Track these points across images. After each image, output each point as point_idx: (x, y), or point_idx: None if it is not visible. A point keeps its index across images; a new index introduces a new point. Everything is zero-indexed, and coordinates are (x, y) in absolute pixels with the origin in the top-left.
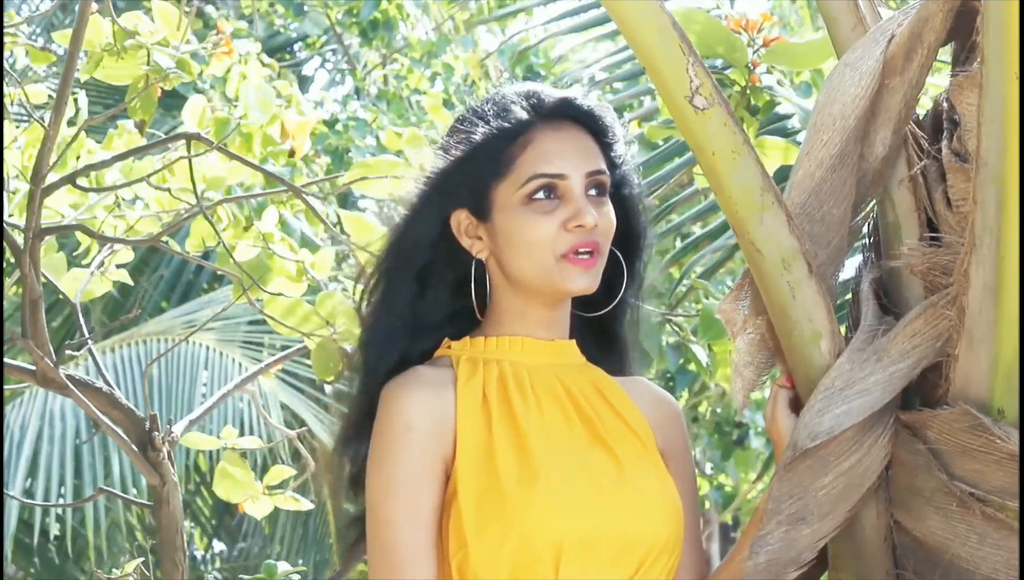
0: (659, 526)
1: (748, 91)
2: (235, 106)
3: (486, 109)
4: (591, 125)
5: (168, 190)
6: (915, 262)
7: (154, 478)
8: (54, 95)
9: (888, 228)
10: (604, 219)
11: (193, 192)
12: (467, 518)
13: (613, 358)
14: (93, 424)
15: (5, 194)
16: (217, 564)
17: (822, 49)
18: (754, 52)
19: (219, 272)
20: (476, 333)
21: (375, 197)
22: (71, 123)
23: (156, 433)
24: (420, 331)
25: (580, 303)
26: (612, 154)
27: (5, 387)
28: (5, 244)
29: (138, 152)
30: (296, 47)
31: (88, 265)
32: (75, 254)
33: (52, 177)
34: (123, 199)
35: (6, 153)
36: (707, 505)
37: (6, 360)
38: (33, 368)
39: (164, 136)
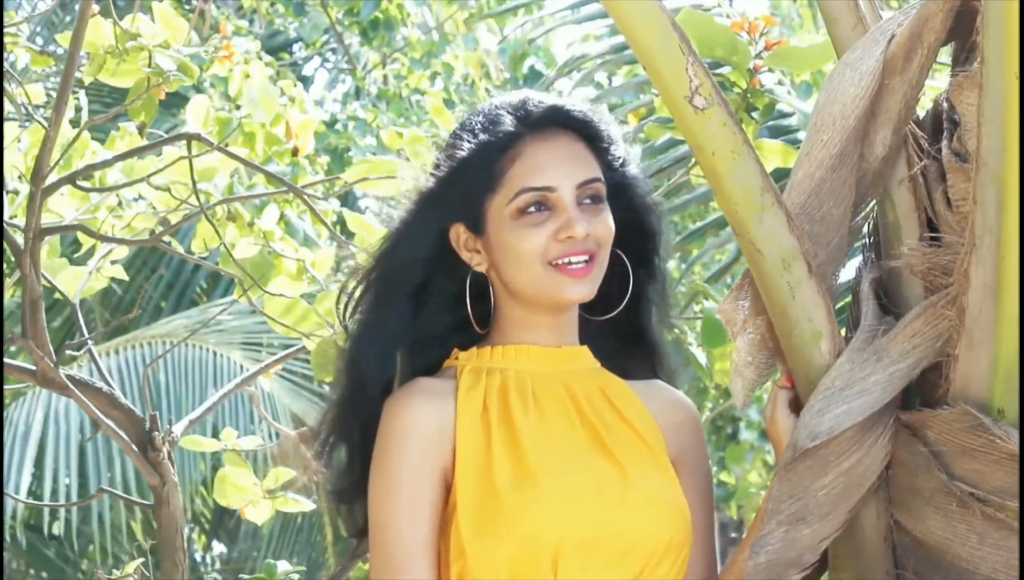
0: (661, 529)
1: (749, 94)
2: (238, 106)
3: (476, 123)
4: (584, 131)
5: (168, 190)
6: (915, 262)
7: (154, 478)
8: (54, 95)
9: (888, 228)
10: (599, 226)
11: (194, 192)
12: (465, 525)
13: (641, 359)
14: (93, 424)
15: (5, 194)
16: (217, 566)
17: (824, 52)
18: (756, 54)
19: (221, 272)
20: (484, 343)
21: (376, 196)
22: (73, 123)
23: (156, 433)
24: (422, 346)
25: (601, 306)
26: (609, 157)
27: (5, 387)
28: (5, 244)
29: (139, 152)
30: (296, 47)
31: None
32: (75, 254)
33: (53, 177)
34: (125, 198)
35: (7, 153)
36: None
37: (6, 360)
38: (33, 368)
39: (164, 136)
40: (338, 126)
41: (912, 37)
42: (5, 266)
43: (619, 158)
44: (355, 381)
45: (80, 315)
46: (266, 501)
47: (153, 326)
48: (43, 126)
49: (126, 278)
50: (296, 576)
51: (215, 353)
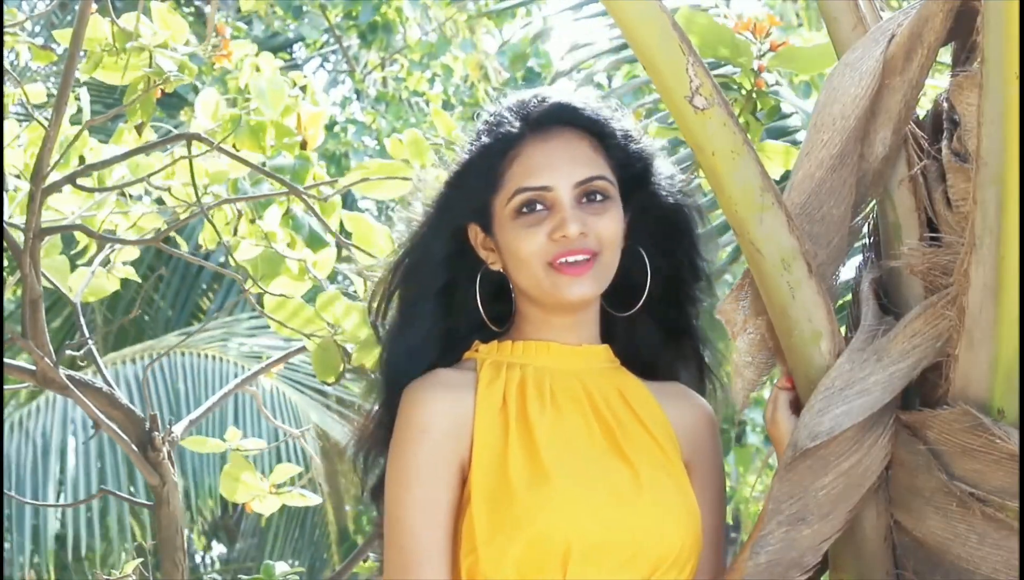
0: (673, 534)
1: (755, 95)
2: (246, 100)
3: (484, 123)
4: (591, 128)
5: (168, 189)
6: (915, 262)
7: (154, 478)
8: (54, 94)
9: (888, 228)
10: (601, 225)
11: (194, 192)
12: (478, 521)
13: (673, 360)
14: (93, 424)
15: (5, 194)
16: (217, 567)
17: (828, 53)
18: (760, 56)
19: (223, 273)
20: (504, 337)
21: (375, 198)
22: (74, 121)
23: (156, 433)
24: (451, 345)
25: (634, 304)
26: (622, 154)
27: (5, 387)
28: (5, 244)
29: (138, 152)
30: (296, 47)
31: (88, 264)
32: (74, 254)
33: (53, 177)
34: (130, 196)
35: (7, 152)
36: None
37: (6, 360)
38: (33, 368)
39: (164, 136)
40: (336, 129)
41: (912, 37)
42: (5, 266)
43: (635, 154)
44: (390, 384)
45: (80, 315)
46: (272, 496)
47: (166, 336)
48: (43, 125)
49: (138, 279)
50: (295, 577)
51: (236, 364)
